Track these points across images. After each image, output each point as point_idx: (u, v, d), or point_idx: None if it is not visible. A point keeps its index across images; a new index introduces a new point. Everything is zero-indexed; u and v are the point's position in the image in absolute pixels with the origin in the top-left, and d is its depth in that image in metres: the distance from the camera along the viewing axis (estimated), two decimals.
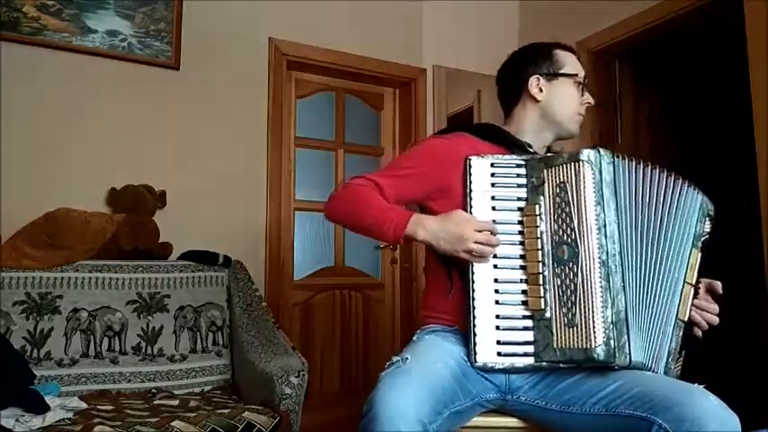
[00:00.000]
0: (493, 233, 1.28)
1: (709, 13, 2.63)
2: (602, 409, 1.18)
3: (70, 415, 1.77)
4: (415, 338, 1.39)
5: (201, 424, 1.69)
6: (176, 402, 2.01)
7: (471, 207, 1.32)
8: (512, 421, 1.34)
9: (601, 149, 1.29)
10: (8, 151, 2.39)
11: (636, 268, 1.27)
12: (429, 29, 3.39)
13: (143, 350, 2.23)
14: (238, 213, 2.83)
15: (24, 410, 1.72)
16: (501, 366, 1.26)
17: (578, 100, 1.50)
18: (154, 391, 2.15)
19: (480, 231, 1.27)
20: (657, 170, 1.33)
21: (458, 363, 1.26)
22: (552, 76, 1.49)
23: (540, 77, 1.49)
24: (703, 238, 1.39)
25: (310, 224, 3.21)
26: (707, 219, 1.40)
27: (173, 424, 1.68)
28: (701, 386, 1.14)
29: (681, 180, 1.36)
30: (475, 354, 1.26)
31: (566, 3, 3.26)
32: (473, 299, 1.28)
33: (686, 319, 1.34)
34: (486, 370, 1.27)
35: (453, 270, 1.36)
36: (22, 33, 2.43)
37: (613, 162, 1.29)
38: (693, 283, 1.35)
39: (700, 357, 1.43)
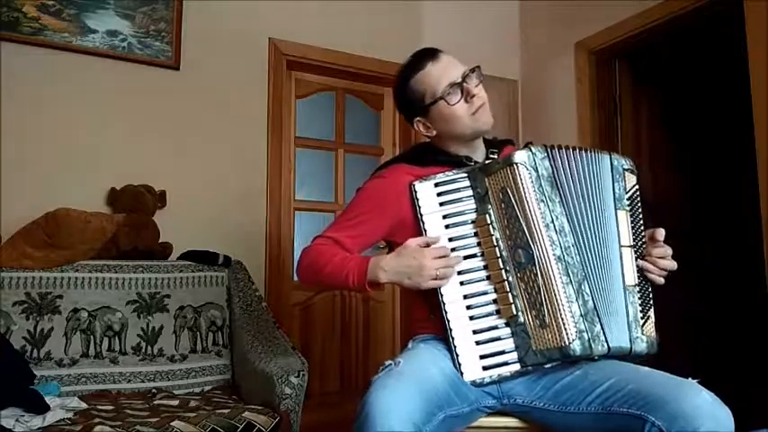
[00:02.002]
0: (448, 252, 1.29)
1: (709, 13, 2.63)
2: (598, 407, 1.19)
3: (70, 415, 1.77)
4: (409, 346, 1.39)
5: (201, 424, 1.69)
6: (176, 402, 2.01)
7: (425, 231, 1.33)
8: (512, 421, 1.35)
9: (532, 147, 1.30)
10: (8, 151, 2.39)
11: (587, 252, 1.27)
12: (429, 29, 3.39)
13: (143, 350, 2.22)
14: (238, 213, 2.82)
15: (24, 410, 1.73)
16: (489, 380, 1.26)
17: (461, 105, 1.41)
18: (154, 391, 2.15)
19: (438, 257, 1.27)
20: (583, 150, 1.33)
21: (452, 369, 1.27)
22: (423, 110, 1.44)
23: (420, 118, 1.47)
24: (629, 195, 1.36)
25: (310, 224, 3.20)
26: (625, 174, 1.37)
27: (173, 424, 1.68)
28: (695, 380, 1.14)
29: (595, 151, 1.35)
30: (461, 373, 1.27)
31: (566, 3, 3.26)
32: (447, 320, 1.29)
33: (635, 282, 1.31)
34: (476, 386, 1.27)
35: (428, 294, 1.35)
36: (22, 33, 2.43)
37: (548, 155, 1.30)
38: (632, 243, 1.33)
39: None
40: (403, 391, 1.11)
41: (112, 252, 2.36)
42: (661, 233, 1.37)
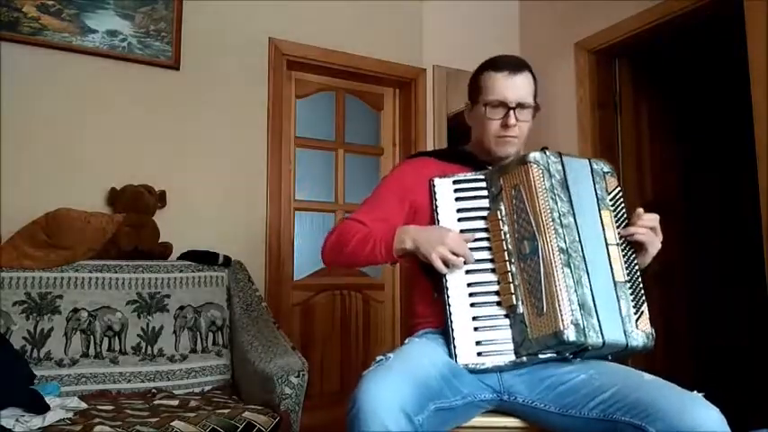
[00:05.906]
0: (467, 241, 1.35)
1: (710, 13, 2.63)
2: (600, 413, 1.19)
3: (70, 415, 1.77)
4: (406, 342, 1.41)
5: (201, 424, 1.69)
6: (176, 402, 2.01)
7: (438, 222, 1.40)
8: (512, 421, 1.35)
9: (546, 150, 1.37)
10: (8, 151, 2.39)
11: (586, 249, 1.31)
12: (429, 29, 3.39)
13: (143, 350, 2.22)
14: (238, 213, 2.82)
15: (24, 410, 1.72)
16: (483, 367, 1.28)
17: (495, 123, 1.48)
18: (154, 391, 2.15)
19: (457, 242, 1.33)
20: (572, 156, 1.40)
21: (446, 361, 1.28)
22: (473, 102, 1.55)
23: (469, 103, 1.58)
24: (611, 196, 1.41)
25: (310, 224, 3.21)
26: (605, 176, 1.42)
27: (173, 424, 1.68)
28: (700, 394, 1.14)
29: (580, 158, 1.43)
30: (456, 356, 1.29)
31: (566, 3, 3.26)
32: (449, 304, 1.33)
33: (624, 278, 1.34)
34: (469, 371, 1.28)
35: (435, 274, 1.38)
36: (22, 33, 2.43)
37: (561, 160, 1.37)
38: (617, 242, 1.36)
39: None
40: (392, 383, 1.13)
41: (112, 252, 2.36)
42: (640, 211, 1.40)
